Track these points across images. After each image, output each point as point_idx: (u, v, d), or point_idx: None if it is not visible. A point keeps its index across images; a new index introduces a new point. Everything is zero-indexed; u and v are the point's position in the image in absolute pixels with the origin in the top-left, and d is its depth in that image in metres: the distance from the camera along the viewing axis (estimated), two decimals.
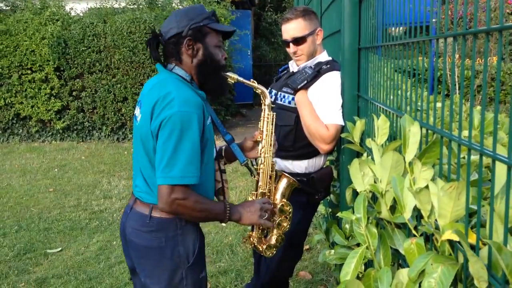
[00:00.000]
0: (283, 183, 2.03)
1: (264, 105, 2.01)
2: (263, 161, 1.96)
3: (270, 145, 1.97)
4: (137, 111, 1.79)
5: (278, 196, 2.01)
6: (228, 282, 3.34)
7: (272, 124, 1.99)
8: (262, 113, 2.01)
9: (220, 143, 5.33)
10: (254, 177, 2.01)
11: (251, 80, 1.99)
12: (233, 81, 1.90)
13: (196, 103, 1.65)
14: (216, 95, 1.93)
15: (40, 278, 3.51)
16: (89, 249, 4.05)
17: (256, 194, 1.97)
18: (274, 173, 1.99)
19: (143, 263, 1.80)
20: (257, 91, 2.02)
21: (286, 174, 2.04)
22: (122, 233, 1.89)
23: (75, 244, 4.17)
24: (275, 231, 1.97)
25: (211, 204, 1.74)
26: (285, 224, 1.99)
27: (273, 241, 1.98)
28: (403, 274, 1.08)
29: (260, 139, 1.99)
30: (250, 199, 1.96)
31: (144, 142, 1.70)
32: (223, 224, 1.85)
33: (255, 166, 2.02)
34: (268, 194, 1.97)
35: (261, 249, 1.96)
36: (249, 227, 1.98)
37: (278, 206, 1.98)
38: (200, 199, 1.67)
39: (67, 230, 4.49)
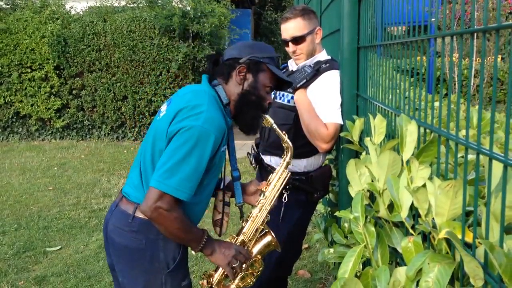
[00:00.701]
0: (266, 239, 1.94)
1: (284, 161, 1.96)
2: (257, 212, 1.90)
3: (271, 201, 1.92)
4: (163, 107, 1.77)
5: (255, 250, 1.91)
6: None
7: (282, 182, 1.94)
8: (278, 167, 1.96)
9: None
10: (242, 222, 1.94)
11: (283, 132, 1.95)
12: (267, 125, 1.88)
13: (219, 126, 1.62)
14: (247, 130, 1.87)
15: (39, 276, 3.51)
16: (89, 247, 4.05)
17: (236, 238, 1.89)
18: (262, 227, 1.92)
19: (122, 263, 1.77)
20: (284, 145, 1.97)
21: (272, 234, 1.94)
22: (105, 230, 1.84)
23: (74, 242, 4.17)
24: (237, 281, 1.87)
25: (191, 228, 1.69)
26: (248, 280, 1.90)
27: (234, 286, 1.88)
28: (401, 272, 1.08)
29: (264, 191, 1.94)
30: (228, 240, 1.89)
31: (155, 139, 1.68)
32: (193, 252, 1.80)
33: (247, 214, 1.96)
34: (248, 244, 1.90)
35: None
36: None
37: (252, 260, 1.89)
38: (183, 218, 1.63)
39: (67, 229, 4.49)
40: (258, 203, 1.91)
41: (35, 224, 4.62)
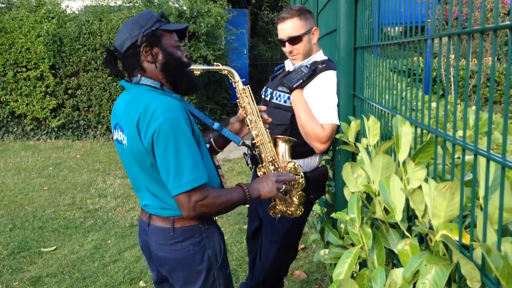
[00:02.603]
0: (280, 145, 2.05)
1: (235, 82, 1.99)
2: (257, 133, 1.97)
3: (258, 116, 1.97)
4: (118, 135, 1.74)
5: (281, 158, 2.03)
6: None
7: (251, 96, 1.98)
8: (237, 90, 1.99)
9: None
10: (255, 152, 2.03)
11: (215, 63, 1.98)
12: (199, 72, 1.90)
13: (177, 106, 1.61)
14: (189, 92, 1.90)
15: (34, 277, 3.49)
16: (84, 248, 4.04)
17: (264, 165, 1.99)
18: (271, 138, 2.01)
19: (176, 274, 1.80)
20: (223, 73, 2.00)
21: (279, 136, 2.06)
22: (146, 250, 1.88)
23: (69, 242, 4.16)
24: (294, 191, 2.00)
25: (230, 193, 1.74)
26: (301, 182, 2.03)
27: (296, 201, 2.02)
28: (397, 274, 1.08)
29: (246, 115, 1.98)
30: (259, 173, 2.00)
31: (139, 162, 1.67)
32: (247, 206, 1.88)
33: (252, 141, 2.05)
34: (276, 160, 2.00)
35: (290, 212, 2.03)
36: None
37: (288, 167, 2.03)
38: (218, 193, 1.68)
39: (62, 229, 4.48)
40: (251, 127, 1.98)
41: (30, 224, 4.60)
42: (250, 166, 2.45)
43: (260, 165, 2.01)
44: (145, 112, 1.59)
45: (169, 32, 1.76)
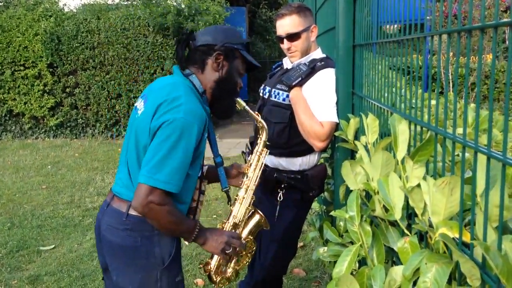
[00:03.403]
0: (254, 219, 1.99)
1: (260, 139, 2.00)
2: (243, 194, 1.94)
3: (255, 181, 1.97)
4: (139, 104, 1.76)
5: (246, 231, 1.96)
6: None
7: (263, 161, 1.99)
8: (256, 147, 2.00)
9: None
10: (230, 206, 1.97)
11: (256, 112, 2.01)
12: (240, 108, 1.91)
13: (200, 116, 1.63)
14: (222, 116, 1.91)
15: (33, 276, 3.49)
16: (83, 246, 4.04)
17: (227, 223, 1.92)
18: (250, 207, 1.96)
19: (116, 262, 1.76)
20: (258, 125, 2.01)
21: (260, 212, 1.99)
22: (97, 230, 1.84)
23: (68, 241, 4.15)
24: (232, 264, 1.92)
25: (183, 219, 1.70)
26: (244, 261, 1.95)
27: (228, 274, 1.93)
28: (397, 271, 1.08)
29: (246, 172, 1.98)
30: (219, 227, 1.93)
31: (138, 136, 1.68)
32: (186, 243, 1.82)
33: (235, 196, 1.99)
34: (239, 226, 1.93)
35: (214, 279, 1.90)
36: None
37: (244, 241, 1.93)
38: (174, 211, 1.64)
39: (60, 227, 4.47)
40: (243, 185, 1.96)
41: (29, 223, 4.60)
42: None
43: (225, 220, 1.95)
44: (172, 100, 1.61)
45: (243, 60, 1.84)
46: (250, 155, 2.02)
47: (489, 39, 6.14)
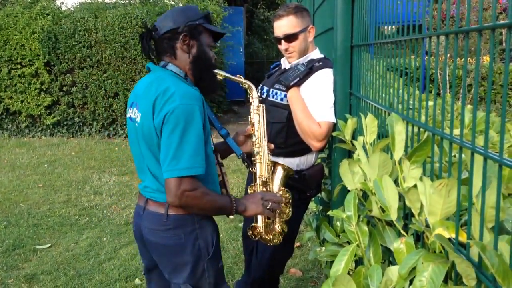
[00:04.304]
0: (278, 172, 2.07)
1: (252, 98, 2.04)
2: (259, 151, 1.99)
3: (264, 136, 2.01)
4: (133, 113, 1.78)
5: (275, 184, 2.04)
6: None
7: (263, 116, 2.02)
8: (251, 107, 2.04)
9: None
10: (252, 169, 2.03)
11: (238, 75, 2.04)
12: (221, 78, 1.95)
13: (196, 96, 1.66)
14: (208, 92, 1.95)
15: (29, 274, 3.48)
16: (79, 245, 4.03)
17: (256, 184, 1.99)
18: (270, 162, 2.02)
19: (165, 261, 1.82)
20: (243, 86, 2.06)
21: (281, 163, 2.07)
22: (138, 235, 1.89)
23: (64, 240, 4.15)
24: (277, 219, 2.01)
25: (218, 197, 1.76)
26: (287, 211, 2.03)
27: (277, 229, 2.02)
28: (393, 271, 1.08)
29: (252, 132, 2.02)
30: (250, 191, 2.00)
31: (147, 141, 1.70)
32: (231, 217, 1.87)
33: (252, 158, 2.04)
34: (268, 183, 2.00)
35: (268, 238, 2.00)
36: (247, 222, 2.01)
37: (278, 192, 2.02)
38: (208, 191, 1.69)
39: (57, 226, 4.46)
40: (255, 145, 2.01)
41: (25, 221, 4.59)
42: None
43: (252, 184, 2.02)
44: (163, 93, 1.64)
45: (209, 32, 1.85)
46: (249, 116, 2.04)
47: (486, 41, 6.16)
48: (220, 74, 1.93)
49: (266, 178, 1.99)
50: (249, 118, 2.04)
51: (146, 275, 2.02)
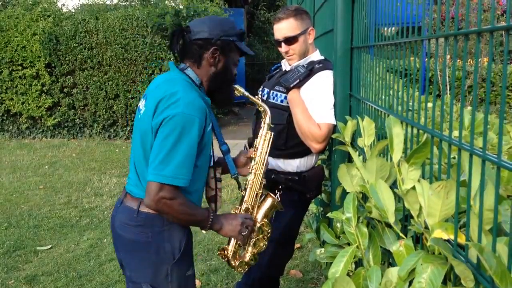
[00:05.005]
0: (267, 203, 2.02)
1: (264, 123, 2.03)
2: (253, 178, 1.98)
3: (263, 164, 1.99)
4: (141, 104, 1.79)
5: (260, 214, 1.99)
6: (219, 280, 3.34)
7: (268, 143, 2.01)
8: (261, 131, 2.03)
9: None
10: (241, 191, 2.01)
11: (256, 96, 2.05)
12: (239, 94, 1.95)
13: (200, 107, 1.66)
14: (223, 105, 1.96)
15: (30, 276, 3.49)
16: (80, 246, 4.03)
17: (240, 208, 1.96)
18: (261, 191, 2.00)
19: (129, 257, 1.82)
20: (260, 109, 2.05)
21: (272, 195, 2.03)
22: (112, 227, 1.90)
23: (65, 241, 4.15)
24: (250, 248, 1.96)
25: (196, 210, 1.75)
26: (261, 244, 1.98)
27: (247, 258, 1.97)
28: (392, 273, 1.08)
29: (254, 156, 2.01)
30: (233, 212, 1.96)
31: (142, 136, 1.72)
32: (203, 232, 1.85)
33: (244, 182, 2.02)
34: (251, 211, 1.97)
35: (233, 264, 1.94)
36: (226, 240, 1.96)
37: (259, 224, 1.98)
38: (186, 202, 1.68)
39: (57, 228, 4.47)
40: (251, 169, 1.99)
41: (26, 223, 4.59)
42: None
43: (238, 206, 1.99)
44: (170, 96, 1.64)
45: (238, 51, 1.85)
46: (256, 140, 2.04)
47: (486, 43, 6.17)
48: (239, 90, 1.93)
49: (251, 206, 1.96)
50: (255, 142, 2.04)
51: (122, 270, 1.98)
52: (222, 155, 1.97)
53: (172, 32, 1.81)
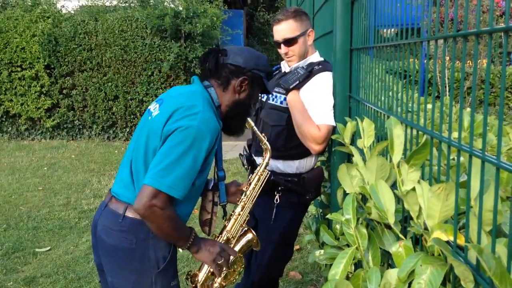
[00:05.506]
0: (246, 237, 2.01)
1: (263, 160, 2.04)
2: (240, 210, 1.97)
3: (252, 200, 2.00)
4: (154, 106, 1.78)
5: (237, 247, 1.97)
6: None
7: (262, 182, 2.03)
8: (258, 168, 2.04)
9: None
10: (225, 220, 1.99)
11: (263, 134, 2.05)
12: (248, 127, 1.97)
13: (214, 127, 1.66)
14: (231, 133, 1.97)
15: (28, 277, 3.48)
16: (79, 248, 4.03)
17: (220, 237, 1.93)
18: (244, 225, 1.99)
19: (111, 263, 1.77)
20: (263, 146, 2.05)
21: (253, 232, 2.01)
22: (93, 230, 1.85)
23: (64, 243, 4.14)
24: (220, 279, 1.90)
25: (181, 226, 1.72)
26: (231, 278, 1.95)
27: (214, 287, 1.92)
28: (392, 274, 1.08)
29: (245, 190, 2.01)
30: (212, 236, 1.95)
31: (149, 139, 1.68)
32: (180, 250, 1.83)
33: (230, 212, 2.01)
34: (231, 242, 1.95)
35: None
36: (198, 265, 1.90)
37: (234, 258, 1.92)
38: (174, 217, 1.65)
39: (56, 229, 4.46)
40: (240, 202, 1.99)
41: (24, 224, 4.58)
42: (245, 167, 2.45)
43: (218, 235, 1.95)
44: (189, 107, 1.64)
45: (263, 88, 1.89)
46: (251, 175, 2.05)
47: (485, 44, 6.17)
48: (250, 124, 1.95)
49: (232, 237, 1.94)
50: (249, 177, 2.05)
51: (99, 273, 1.94)
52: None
53: (209, 50, 1.82)
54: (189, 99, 1.68)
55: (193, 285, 1.89)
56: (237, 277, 1.97)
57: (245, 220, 1.98)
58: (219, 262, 1.79)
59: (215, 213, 1.92)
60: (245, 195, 2.00)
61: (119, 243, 1.72)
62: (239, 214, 1.96)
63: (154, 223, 1.63)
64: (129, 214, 1.70)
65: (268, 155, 2.03)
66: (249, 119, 1.94)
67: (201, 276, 1.88)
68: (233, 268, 1.93)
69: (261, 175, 2.03)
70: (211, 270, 1.85)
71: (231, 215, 1.98)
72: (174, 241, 1.75)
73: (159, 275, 1.75)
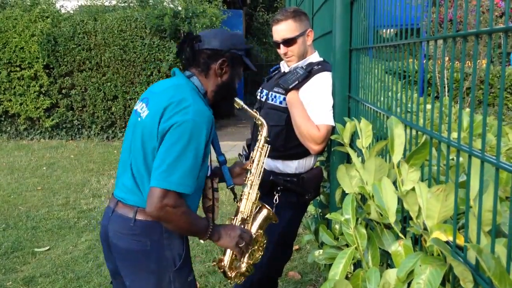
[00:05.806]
0: (262, 214, 2.03)
1: (261, 136, 2.04)
2: (249, 189, 1.98)
3: (259, 176, 2.01)
4: (140, 107, 1.76)
5: (255, 226, 1.99)
6: (217, 281, 3.34)
7: (265, 156, 2.03)
8: (257, 143, 2.04)
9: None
10: (237, 202, 2.01)
11: (254, 110, 2.06)
12: (238, 107, 1.97)
13: (208, 117, 1.66)
14: (222, 116, 2.01)
15: (27, 277, 3.48)
16: (78, 248, 4.03)
17: (236, 219, 1.95)
18: (257, 203, 2.00)
19: (128, 267, 1.77)
20: (257, 122, 2.06)
21: (267, 207, 2.03)
22: (104, 237, 1.83)
23: (63, 243, 4.14)
24: (246, 259, 1.95)
25: (197, 219, 1.72)
26: (257, 255, 1.99)
27: (242, 269, 1.96)
28: (391, 274, 1.08)
29: (250, 168, 2.02)
30: (228, 222, 1.96)
31: (144, 140, 1.67)
32: (201, 241, 1.84)
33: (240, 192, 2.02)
34: (247, 221, 1.96)
35: (229, 275, 1.93)
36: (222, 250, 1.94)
37: (254, 236, 1.97)
38: (189, 211, 1.66)
39: (55, 229, 4.46)
40: (247, 181, 2.01)
41: (24, 224, 4.58)
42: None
43: (233, 217, 1.98)
44: (179, 102, 1.63)
45: (244, 65, 1.89)
46: (252, 152, 2.06)
47: (485, 44, 6.18)
48: (238, 103, 1.96)
49: (247, 216, 1.96)
50: (251, 154, 2.06)
51: (112, 280, 1.96)
52: (218, 165, 1.96)
53: (183, 39, 1.81)
54: (177, 93, 1.67)
55: (221, 270, 1.93)
56: (262, 253, 2.01)
57: (256, 197, 1.99)
58: (240, 246, 1.82)
59: (216, 199, 1.91)
60: (250, 173, 2.01)
61: (133, 246, 1.72)
62: (248, 193, 1.98)
63: (171, 222, 1.63)
64: (140, 217, 1.70)
65: (264, 129, 2.04)
66: (237, 99, 1.94)
67: (227, 261, 1.92)
68: (257, 244, 1.98)
69: (262, 149, 2.03)
70: (235, 253, 1.88)
71: (241, 195, 2.00)
72: (194, 234, 1.77)
73: (176, 273, 1.76)
